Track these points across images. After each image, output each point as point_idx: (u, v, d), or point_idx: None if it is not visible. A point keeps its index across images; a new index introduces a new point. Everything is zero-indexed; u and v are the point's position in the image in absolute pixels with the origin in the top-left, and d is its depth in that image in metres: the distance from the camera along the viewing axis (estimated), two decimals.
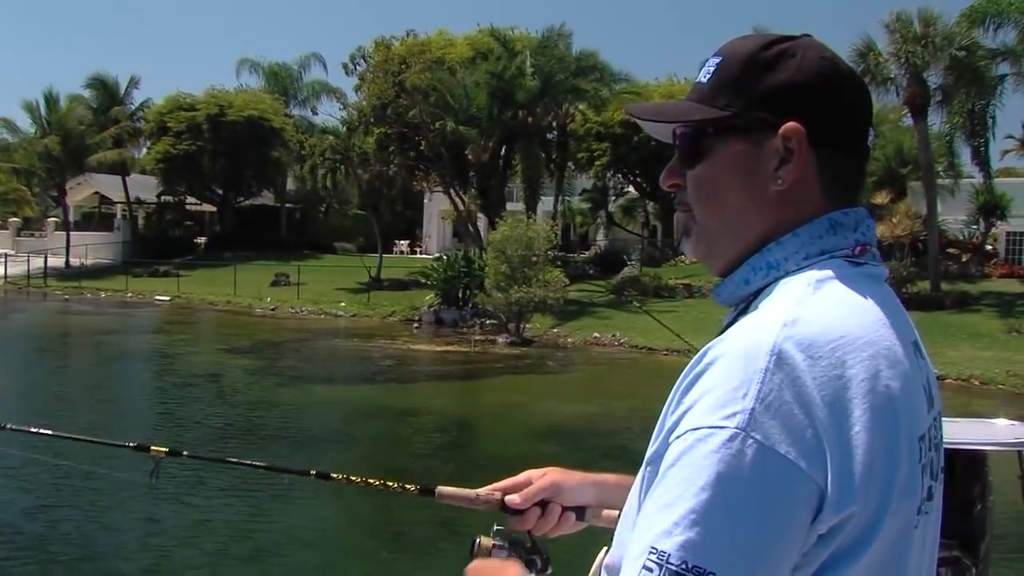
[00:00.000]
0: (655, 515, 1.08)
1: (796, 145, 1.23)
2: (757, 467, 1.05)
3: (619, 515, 1.36)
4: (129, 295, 45.96)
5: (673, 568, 1.03)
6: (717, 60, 1.31)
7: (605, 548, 1.39)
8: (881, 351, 1.15)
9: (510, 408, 19.71)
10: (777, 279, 1.24)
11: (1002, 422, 5.06)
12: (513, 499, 1.73)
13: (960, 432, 4.65)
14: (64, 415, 17.66)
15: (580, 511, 1.71)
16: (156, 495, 11.77)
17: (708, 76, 1.30)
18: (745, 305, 1.27)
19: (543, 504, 1.71)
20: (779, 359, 1.09)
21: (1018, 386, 22.71)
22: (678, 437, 1.10)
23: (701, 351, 1.15)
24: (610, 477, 1.75)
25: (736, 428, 1.06)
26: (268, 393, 20.48)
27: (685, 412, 1.11)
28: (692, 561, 1.03)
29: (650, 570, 1.05)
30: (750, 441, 1.05)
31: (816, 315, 1.14)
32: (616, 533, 1.31)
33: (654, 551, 1.05)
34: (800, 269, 1.23)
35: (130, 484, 12.45)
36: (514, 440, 16.44)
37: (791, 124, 1.23)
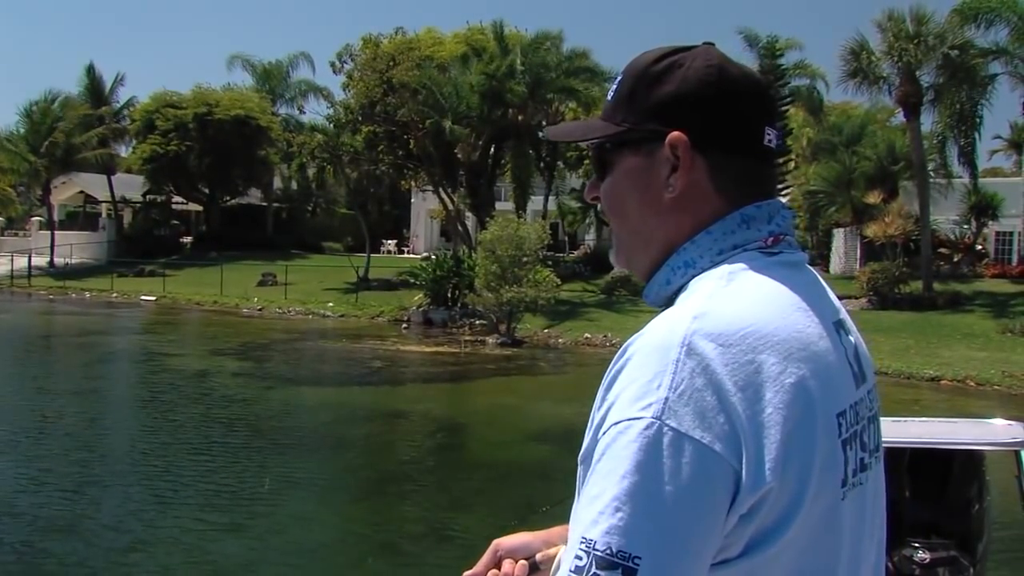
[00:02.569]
0: (585, 508, 1.12)
1: (681, 152, 1.29)
2: (672, 453, 1.09)
3: None
4: (114, 295, 45.54)
5: (599, 554, 1.08)
6: (619, 78, 1.37)
7: (563, 547, 1.40)
8: (793, 334, 1.20)
9: (503, 410, 19.44)
10: (694, 276, 1.29)
11: (999, 422, 5.06)
12: None
13: (957, 432, 4.54)
14: (48, 419, 17.37)
15: (532, 563, 1.64)
16: (132, 508, 11.51)
17: (611, 93, 1.37)
18: (669, 305, 1.30)
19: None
20: (689, 349, 1.13)
21: (1014, 387, 22.56)
22: (604, 432, 1.14)
23: (621, 348, 1.19)
24: (554, 529, 1.69)
25: (652, 417, 1.10)
26: (256, 395, 20.17)
27: (608, 408, 1.15)
28: (616, 546, 1.07)
29: (580, 559, 1.09)
30: (665, 428, 1.10)
31: (725, 306, 1.19)
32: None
33: (584, 540, 1.10)
34: (714, 264, 1.29)
35: (111, 489, 12.24)
36: (507, 443, 16.16)
37: (674, 133, 1.29)
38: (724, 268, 1.27)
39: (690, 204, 1.31)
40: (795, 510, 1.15)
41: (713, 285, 1.24)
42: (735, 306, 1.20)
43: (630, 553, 1.07)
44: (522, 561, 1.62)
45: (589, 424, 1.20)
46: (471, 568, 1.61)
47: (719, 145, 1.30)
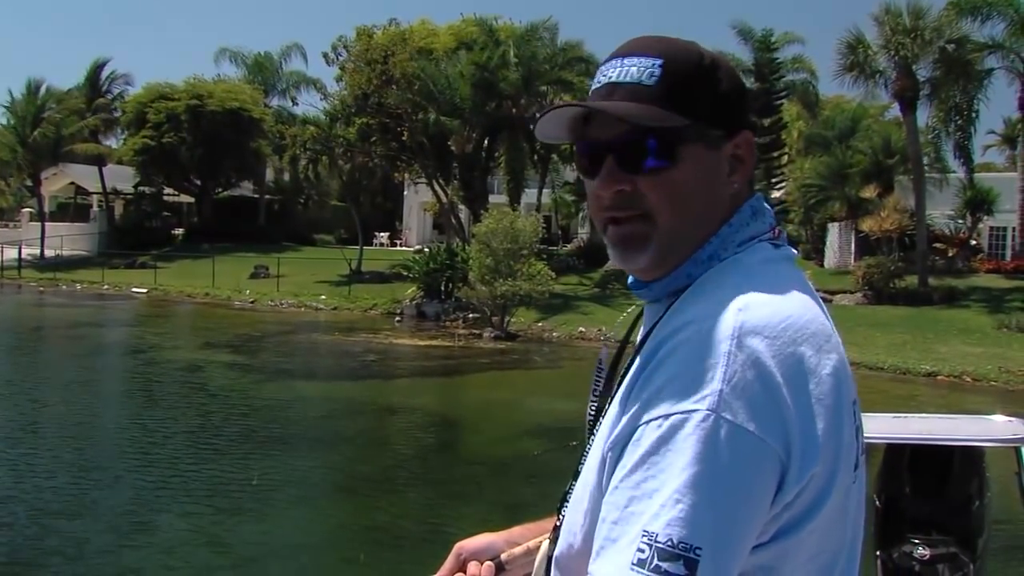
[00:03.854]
0: (640, 501, 1.13)
1: (746, 151, 1.35)
2: (730, 445, 1.12)
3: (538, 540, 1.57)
4: (105, 287, 45.27)
5: (661, 546, 1.10)
6: (658, 62, 1.32)
7: (546, 539, 1.46)
8: (819, 327, 1.24)
9: (497, 405, 19.30)
10: (710, 268, 1.31)
11: (999, 418, 5.03)
12: None
13: (957, 428, 4.48)
14: (37, 413, 17.19)
15: (498, 563, 1.63)
16: (115, 506, 11.34)
17: (655, 79, 1.31)
18: (675, 297, 1.31)
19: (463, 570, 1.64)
20: (739, 342, 1.16)
21: (1011, 383, 22.49)
22: (649, 422, 1.16)
23: (658, 340, 1.22)
24: (515, 529, 1.70)
25: (707, 410, 1.13)
26: (248, 389, 19.98)
27: (651, 398, 1.17)
28: (678, 538, 1.09)
29: (642, 551, 1.10)
30: (722, 421, 1.12)
31: (763, 299, 1.22)
32: (565, 523, 1.35)
33: (645, 533, 1.11)
34: (734, 255, 1.32)
35: (91, 492, 12.07)
36: (503, 439, 16.02)
37: (745, 133, 1.34)
38: (743, 259, 1.32)
39: (736, 199, 1.36)
40: (825, 496, 1.20)
41: (742, 278, 1.27)
42: (771, 299, 1.23)
43: (691, 544, 1.09)
44: (488, 562, 1.61)
45: (618, 411, 1.25)
46: (434, 573, 1.60)
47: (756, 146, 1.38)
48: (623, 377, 1.33)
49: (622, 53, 1.35)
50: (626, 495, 1.15)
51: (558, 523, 1.39)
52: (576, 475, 1.37)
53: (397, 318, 34.92)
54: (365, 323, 33.82)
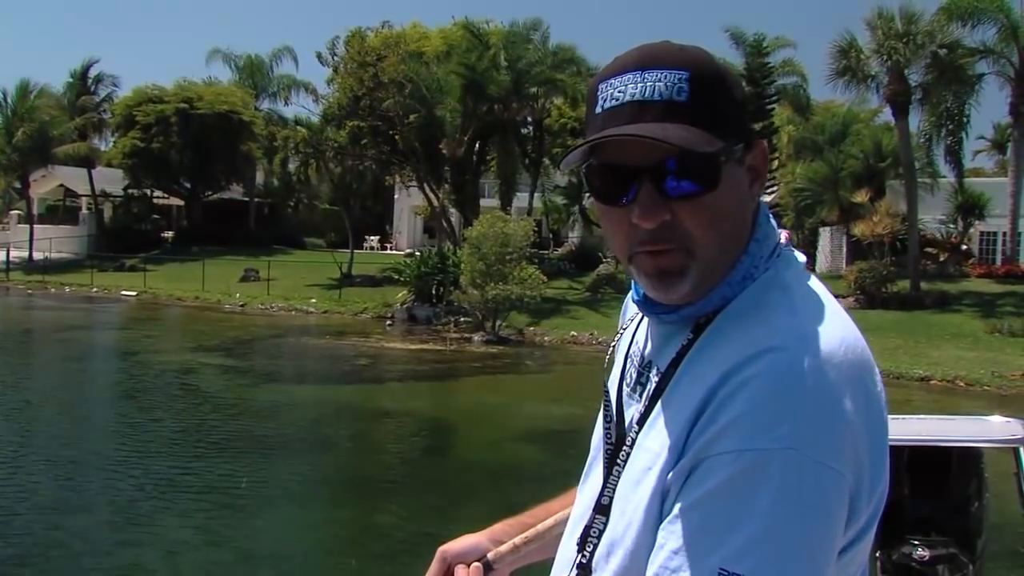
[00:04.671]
0: (711, 535, 1.10)
1: (761, 162, 1.28)
2: (815, 484, 1.09)
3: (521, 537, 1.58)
4: (94, 290, 45.01)
5: None
6: (684, 75, 1.22)
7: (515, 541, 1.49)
8: (863, 344, 1.22)
9: (490, 409, 19.20)
10: (744, 287, 1.26)
11: (997, 419, 4.99)
12: None
13: (955, 429, 4.38)
14: (25, 417, 17.04)
15: (485, 563, 1.59)
16: (100, 513, 11.22)
17: (685, 95, 1.22)
18: (706, 320, 1.27)
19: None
20: (813, 376, 1.13)
21: (1004, 387, 22.50)
22: (720, 454, 1.12)
23: (720, 373, 1.16)
24: (497, 526, 1.66)
25: (787, 447, 1.09)
26: (238, 393, 19.85)
27: (720, 432, 1.13)
28: None
29: None
30: (804, 460, 1.09)
31: (818, 325, 1.19)
32: (607, 565, 1.27)
33: (723, 571, 1.07)
34: (764, 271, 1.27)
35: (77, 498, 11.93)
36: (497, 444, 15.91)
37: (760, 143, 1.28)
38: (777, 276, 1.27)
39: (753, 211, 1.31)
40: (878, 512, 1.21)
41: (785, 299, 1.23)
42: (825, 323, 1.20)
43: None
44: (475, 564, 1.57)
45: (673, 441, 1.19)
46: None
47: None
48: (656, 403, 1.27)
49: (640, 65, 1.23)
50: (692, 527, 1.12)
51: (584, 559, 1.32)
52: (600, 508, 1.30)
53: (388, 322, 34.79)
54: (356, 327, 33.69)
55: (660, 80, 1.22)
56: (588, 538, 1.32)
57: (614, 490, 1.29)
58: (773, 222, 1.33)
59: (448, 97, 38.87)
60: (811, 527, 1.09)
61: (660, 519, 1.18)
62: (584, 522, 1.34)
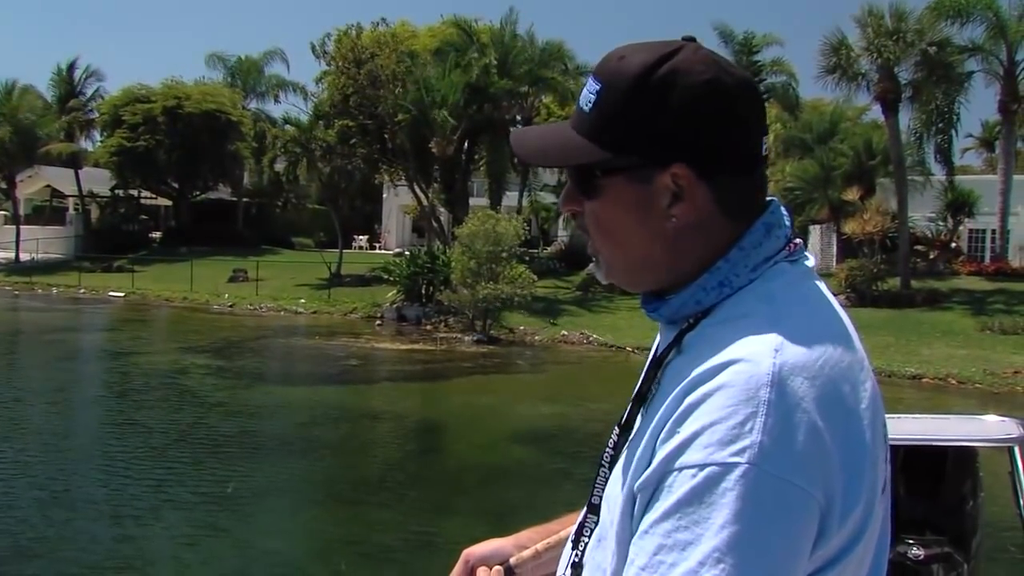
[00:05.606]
0: (672, 551, 1.08)
1: (685, 184, 1.22)
2: (774, 500, 1.07)
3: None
4: (82, 291, 44.77)
5: None
6: (597, 87, 1.26)
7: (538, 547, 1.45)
8: (851, 356, 1.19)
9: (481, 410, 19.09)
10: (728, 295, 1.24)
11: (992, 418, 5.06)
12: None
13: (950, 429, 4.58)
14: (14, 418, 16.88)
15: (507, 567, 1.59)
16: (90, 517, 11.09)
17: (590, 105, 1.26)
18: (693, 322, 1.26)
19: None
20: (779, 388, 1.10)
21: (995, 385, 22.51)
22: (681, 470, 1.10)
23: (690, 380, 1.15)
24: (524, 532, 1.66)
25: (747, 463, 1.07)
26: (227, 395, 19.72)
27: (684, 443, 1.11)
28: None
29: None
30: (763, 475, 1.07)
31: (796, 336, 1.15)
32: (590, 561, 1.30)
33: None
34: (749, 281, 1.24)
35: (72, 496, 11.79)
36: (490, 445, 15.82)
37: (677, 166, 1.22)
38: (763, 287, 1.24)
39: (697, 231, 1.25)
40: (864, 529, 1.16)
41: (769, 310, 1.20)
42: (805, 334, 1.16)
43: None
44: (496, 567, 1.57)
45: (642, 451, 1.18)
46: None
47: (724, 171, 1.24)
48: (644, 404, 1.27)
49: (594, 71, 1.30)
50: (655, 542, 1.10)
51: (576, 558, 1.34)
52: (591, 507, 1.32)
53: (378, 322, 34.69)
54: (345, 327, 33.55)
55: (588, 88, 1.28)
56: (581, 537, 1.34)
57: (603, 490, 1.30)
58: (784, 229, 1.28)
59: (448, 96, 38.76)
60: (768, 544, 1.07)
61: (630, 523, 1.19)
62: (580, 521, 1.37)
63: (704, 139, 1.22)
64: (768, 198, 1.31)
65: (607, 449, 1.35)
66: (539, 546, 1.59)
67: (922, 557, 3.89)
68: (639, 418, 1.27)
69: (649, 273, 1.30)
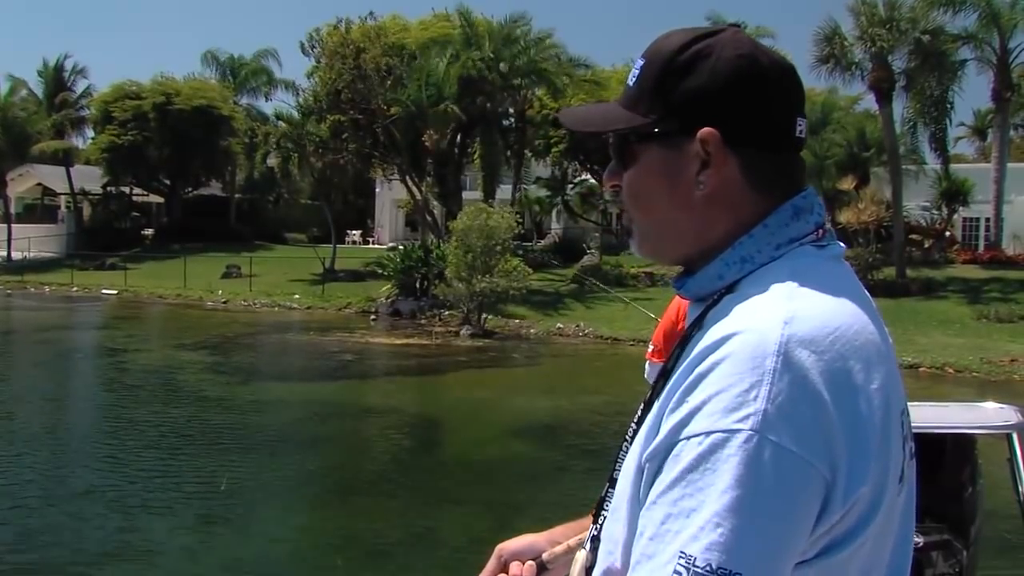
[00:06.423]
0: (678, 519, 1.10)
1: (713, 150, 1.26)
2: (774, 468, 1.08)
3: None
4: (75, 289, 44.64)
5: (699, 570, 1.07)
6: (641, 63, 1.33)
7: (584, 550, 1.42)
8: (867, 336, 1.19)
9: (478, 405, 19.00)
10: (750, 271, 1.27)
11: (990, 405, 5.04)
12: None
13: (949, 416, 4.45)
14: (6, 417, 16.77)
15: (539, 563, 1.60)
16: (83, 514, 10.99)
17: (634, 80, 1.34)
18: (717, 298, 1.27)
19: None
20: (786, 358, 1.11)
21: (992, 373, 22.49)
22: (688, 438, 1.12)
23: (703, 350, 1.16)
24: (557, 528, 1.66)
25: (750, 430, 1.09)
26: (221, 391, 19.59)
27: (692, 412, 1.13)
28: (717, 563, 1.07)
29: (679, 574, 1.08)
30: (765, 442, 1.08)
31: (809, 310, 1.17)
32: (605, 533, 1.32)
33: (683, 555, 1.08)
34: (772, 259, 1.27)
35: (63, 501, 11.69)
36: (487, 440, 15.71)
37: (706, 130, 1.26)
38: (786, 265, 1.25)
39: (725, 201, 1.28)
40: (873, 513, 1.15)
41: (786, 286, 1.21)
42: (818, 309, 1.18)
43: (730, 569, 1.06)
44: (529, 562, 1.58)
45: (651, 422, 1.21)
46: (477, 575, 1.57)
47: (752, 142, 1.27)
48: (662, 382, 1.26)
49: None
50: (663, 511, 1.12)
51: (595, 531, 1.36)
52: (612, 481, 1.33)
53: (372, 316, 34.60)
54: (340, 322, 33.43)
55: (635, 66, 1.35)
56: (601, 511, 1.35)
57: (621, 463, 1.31)
58: (815, 216, 1.30)
59: (444, 89, 38.63)
60: (767, 510, 1.08)
61: (637, 493, 1.21)
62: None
63: (733, 109, 1.27)
64: (809, 187, 1.33)
65: (631, 424, 1.36)
66: (571, 541, 1.58)
67: (921, 544, 3.79)
68: (660, 392, 1.27)
69: (679, 241, 1.33)
